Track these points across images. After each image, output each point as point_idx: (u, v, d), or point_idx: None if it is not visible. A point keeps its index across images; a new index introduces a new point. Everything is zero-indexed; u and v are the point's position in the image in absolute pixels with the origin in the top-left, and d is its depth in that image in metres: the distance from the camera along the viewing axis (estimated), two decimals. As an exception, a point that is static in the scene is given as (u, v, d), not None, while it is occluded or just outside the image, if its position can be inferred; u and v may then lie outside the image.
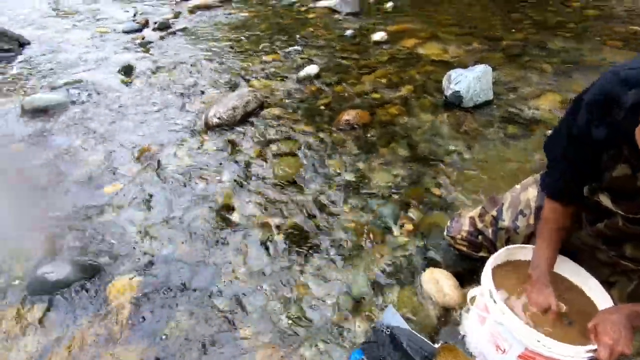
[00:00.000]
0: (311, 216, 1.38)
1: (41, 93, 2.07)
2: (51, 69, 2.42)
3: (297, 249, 1.24)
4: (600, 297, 0.81)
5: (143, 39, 2.97)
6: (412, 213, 1.37)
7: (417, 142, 1.77)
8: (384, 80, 2.30)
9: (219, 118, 1.80)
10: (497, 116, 1.92)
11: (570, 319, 0.79)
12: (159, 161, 1.63)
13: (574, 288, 0.86)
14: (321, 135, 1.80)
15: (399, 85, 2.23)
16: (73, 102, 2.02)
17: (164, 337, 0.98)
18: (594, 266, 0.84)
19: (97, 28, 3.17)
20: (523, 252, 0.91)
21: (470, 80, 1.95)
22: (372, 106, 2.02)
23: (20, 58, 2.60)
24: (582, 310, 0.80)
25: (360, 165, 1.64)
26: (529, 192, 0.98)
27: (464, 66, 2.14)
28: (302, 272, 1.16)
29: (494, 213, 1.02)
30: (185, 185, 1.51)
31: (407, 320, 0.99)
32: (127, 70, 2.39)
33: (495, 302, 0.77)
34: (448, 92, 1.99)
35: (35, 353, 0.95)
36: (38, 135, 1.78)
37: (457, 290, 1.07)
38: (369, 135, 1.82)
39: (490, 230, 1.03)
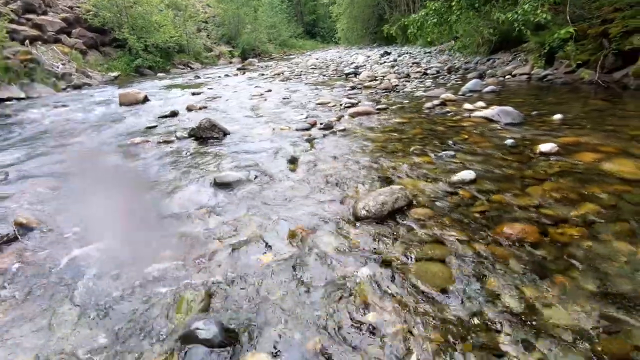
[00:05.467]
0: (461, 338, 1.15)
1: (229, 171, 2.57)
2: (240, 153, 3.04)
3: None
4: None
5: (309, 135, 3.49)
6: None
7: (611, 277, 1.38)
8: (555, 195, 1.99)
9: (367, 211, 1.83)
10: None
11: None
12: (308, 242, 1.71)
13: None
14: (476, 245, 1.60)
15: (577, 203, 1.88)
16: (250, 181, 2.43)
17: None
18: None
19: (278, 126, 3.93)
20: None
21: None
22: (541, 223, 1.73)
23: (222, 144, 3.38)
24: None
25: (527, 291, 1.34)
26: None
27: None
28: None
29: None
30: (326, 272, 1.52)
31: None
32: (293, 160, 2.77)
33: None
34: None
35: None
36: (220, 204, 2.16)
37: None
38: (538, 256, 1.52)
39: None
